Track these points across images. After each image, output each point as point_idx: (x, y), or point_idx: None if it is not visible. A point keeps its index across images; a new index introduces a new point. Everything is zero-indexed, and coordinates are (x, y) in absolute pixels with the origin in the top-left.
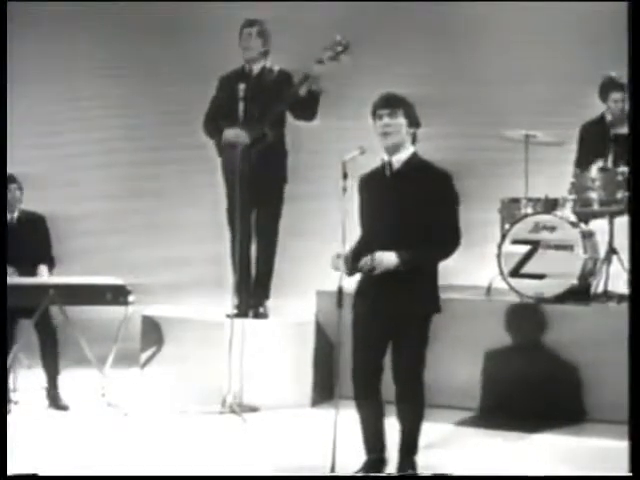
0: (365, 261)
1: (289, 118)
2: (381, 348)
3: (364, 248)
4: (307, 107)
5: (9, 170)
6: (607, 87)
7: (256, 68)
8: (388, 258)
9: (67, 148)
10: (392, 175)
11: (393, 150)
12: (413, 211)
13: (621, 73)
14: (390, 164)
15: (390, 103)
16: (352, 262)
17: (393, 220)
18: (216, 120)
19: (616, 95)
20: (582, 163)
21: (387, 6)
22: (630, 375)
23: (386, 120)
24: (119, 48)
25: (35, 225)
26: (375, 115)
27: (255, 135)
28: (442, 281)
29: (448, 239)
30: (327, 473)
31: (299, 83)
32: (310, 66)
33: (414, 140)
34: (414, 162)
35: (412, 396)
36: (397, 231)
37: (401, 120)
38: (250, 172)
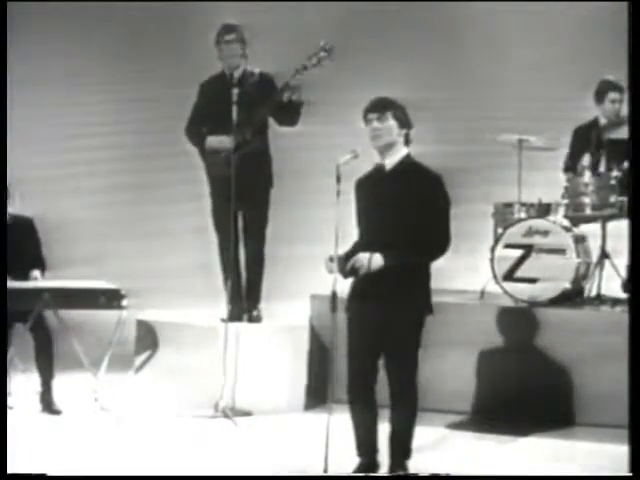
0: (351, 262)
1: (272, 122)
2: (376, 352)
3: (359, 250)
4: (289, 114)
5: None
6: (604, 88)
7: (237, 72)
8: (372, 259)
9: (63, 157)
10: (384, 176)
11: (384, 152)
12: (404, 212)
13: (618, 77)
14: (383, 166)
15: (379, 107)
16: (345, 264)
17: (385, 221)
18: (199, 127)
19: (614, 95)
20: (575, 166)
21: (376, 8)
22: (630, 372)
23: (375, 124)
24: (120, 50)
25: (24, 228)
26: (366, 120)
27: (238, 141)
28: (436, 285)
29: (437, 241)
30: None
31: (281, 91)
32: (291, 73)
33: (407, 142)
34: (406, 163)
35: (405, 399)
36: (389, 232)
37: (390, 123)
38: (235, 178)
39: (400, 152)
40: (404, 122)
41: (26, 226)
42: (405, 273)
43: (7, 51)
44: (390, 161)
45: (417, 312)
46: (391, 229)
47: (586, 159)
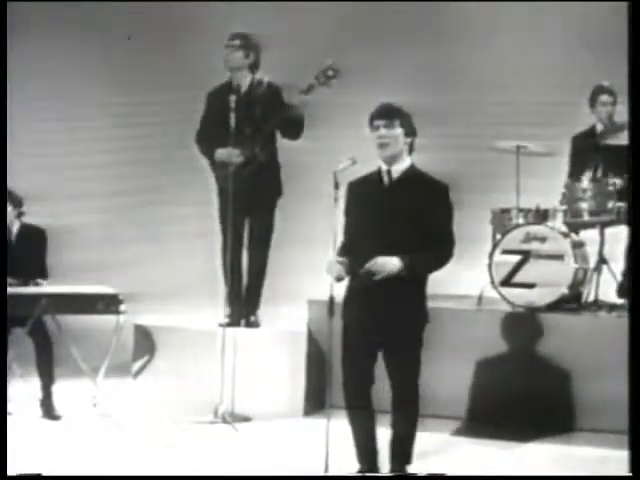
0: (369, 266)
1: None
2: (371, 358)
3: (353, 253)
4: (291, 128)
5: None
6: (595, 92)
7: (244, 82)
8: (391, 262)
9: (63, 161)
10: (391, 184)
11: (391, 160)
12: (410, 220)
13: (618, 82)
14: (389, 173)
15: (386, 114)
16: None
17: (390, 228)
18: (208, 138)
19: (604, 97)
20: (574, 174)
21: (372, 14)
22: (629, 377)
23: (382, 131)
24: (120, 55)
25: (35, 239)
26: (372, 126)
27: (248, 154)
28: (434, 290)
29: (443, 249)
30: None
31: (287, 108)
32: (298, 89)
33: (411, 150)
34: (412, 173)
35: (408, 405)
36: (393, 239)
37: (398, 131)
38: (243, 189)
39: (405, 161)
40: (410, 130)
41: (36, 237)
42: (402, 280)
43: (7, 52)
44: (396, 169)
45: (414, 320)
46: (397, 236)
47: (587, 174)
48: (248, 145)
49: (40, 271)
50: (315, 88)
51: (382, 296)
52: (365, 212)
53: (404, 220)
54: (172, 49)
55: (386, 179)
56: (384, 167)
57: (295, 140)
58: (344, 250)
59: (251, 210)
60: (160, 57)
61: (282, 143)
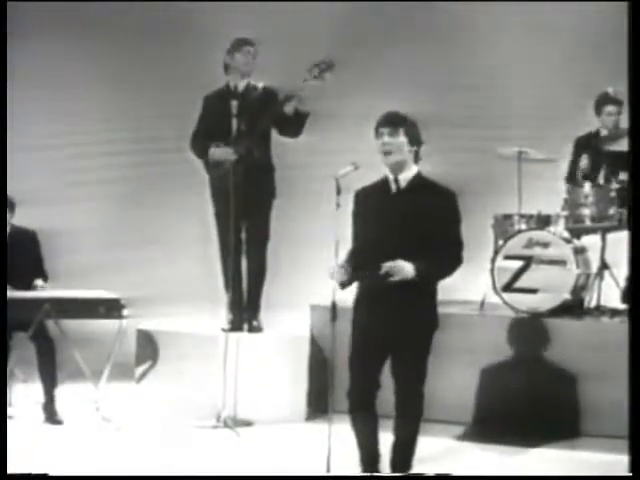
0: (388, 266)
1: (274, 134)
2: (379, 363)
3: (361, 261)
4: (293, 125)
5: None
6: (601, 100)
7: (241, 85)
8: (408, 267)
9: (63, 164)
10: (398, 192)
11: (396, 168)
12: (418, 228)
13: (620, 88)
14: (397, 181)
15: (391, 121)
16: (352, 272)
17: (397, 236)
18: (203, 140)
19: (610, 108)
20: (575, 177)
21: (373, 16)
22: (630, 382)
23: (386, 139)
24: (121, 56)
25: (27, 241)
26: (377, 133)
27: (241, 152)
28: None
29: (453, 256)
30: None
31: (283, 101)
32: (296, 84)
33: (417, 159)
34: (419, 181)
35: (412, 411)
36: (403, 246)
37: (402, 139)
38: (238, 189)
39: (412, 169)
40: (415, 139)
41: (28, 239)
42: (413, 286)
43: (7, 52)
44: (404, 177)
45: (426, 324)
46: (405, 244)
47: (584, 162)
48: (242, 143)
49: (39, 272)
50: (309, 81)
51: (392, 301)
52: (374, 220)
53: (413, 227)
54: (172, 50)
55: (394, 187)
56: (391, 176)
57: (295, 138)
58: (354, 257)
59: (247, 212)
60: (160, 59)
61: (282, 145)
